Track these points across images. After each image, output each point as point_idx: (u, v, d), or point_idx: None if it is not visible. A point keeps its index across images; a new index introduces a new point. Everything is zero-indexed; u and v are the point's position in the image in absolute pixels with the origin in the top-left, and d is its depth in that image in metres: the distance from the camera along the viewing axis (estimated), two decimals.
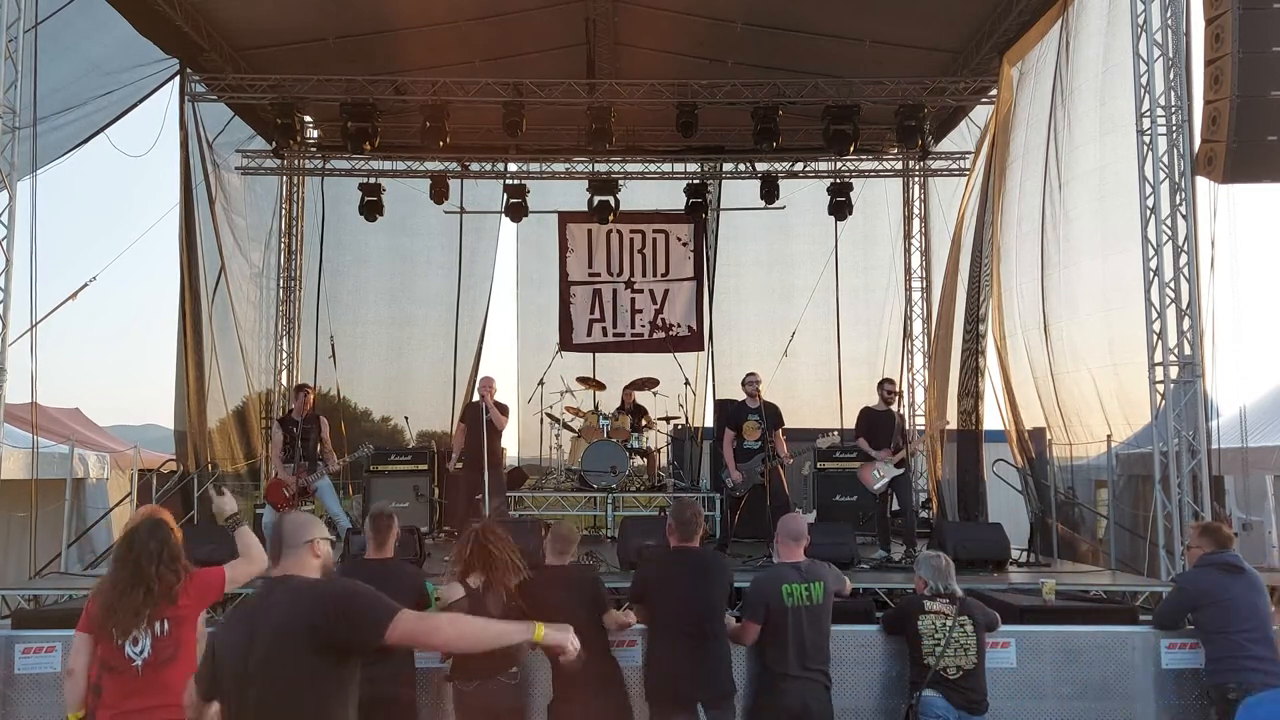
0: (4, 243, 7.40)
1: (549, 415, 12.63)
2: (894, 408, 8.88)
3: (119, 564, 3.71)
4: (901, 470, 8.52)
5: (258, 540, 4.09)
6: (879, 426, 8.64)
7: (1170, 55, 7.69)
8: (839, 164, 13.96)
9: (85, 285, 9.95)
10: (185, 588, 3.72)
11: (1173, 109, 7.67)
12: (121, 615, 3.60)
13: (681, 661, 4.59)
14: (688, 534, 4.82)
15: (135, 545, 3.71)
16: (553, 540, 4.88)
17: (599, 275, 14.69)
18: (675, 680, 4.56)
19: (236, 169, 13.27)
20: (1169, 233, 7.64)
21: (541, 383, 12.88)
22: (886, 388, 8.92)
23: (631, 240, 14.70)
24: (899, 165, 14.38)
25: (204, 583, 3.79)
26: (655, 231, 14.71)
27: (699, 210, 14.30)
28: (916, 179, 14.42)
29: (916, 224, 14.47)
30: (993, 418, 10.74)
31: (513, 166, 14.49)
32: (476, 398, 9.39)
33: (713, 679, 4.60)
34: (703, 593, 4.68)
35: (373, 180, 13.65)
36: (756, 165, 14.15)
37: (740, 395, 9.10)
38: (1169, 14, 7.70)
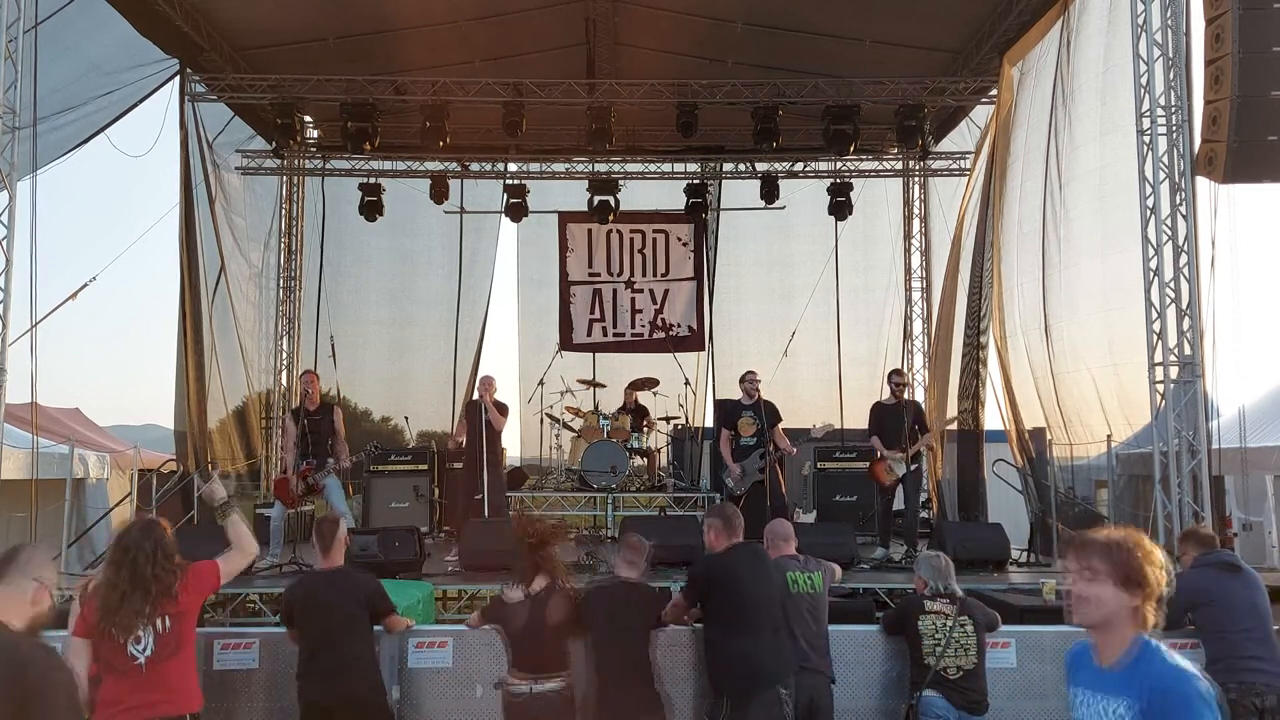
0: (4, 243, 7.40)
1: (549, 415, 12.62)
2: (906, 398, 8.89)
3: (115, 567, 3.72)
4: (915, 466, 8.53)
5: (247, 529, 4.14)
6: (889, 421, 8.65)
7: (1170, 55, 7.69)
8: (839, 164, 13.96)
9: (85, 285, 9.96)
10: (183, 584, 3.74)
11: (1173, 109, 7.67)
12: (122, 617, 3.61)
13: (762, 647, 4.56)
14: (734, 529, 4.82)
15: (130, 547, 3.72)
16: (625, 550, 4.89)
17: (599, 275, 14.69)
18: (759, 666, 4.54)
19: (236, 169, 13.27)
20: (1169, 233, 7.64)
21: (541, 383, 12.88)
22: (895, 380, 8.92)
23: (631, 240, 14.70)
24: (899, 165, 14.38)
25: (199, 576, 3.83)
26: (655, 231, 14.71)
27: (699, 210, 14.30)
28: (916, 179, 14.42)
29: (916, 224, 14.48)
30: (993, 418, 10.76)
31: (513, 166, 14.49)
32: (476, 397, 9.38)
33: (789, 661, 4.63)
34: (769, 580, 4.70)
35: (373, 180, 13.65)
36: (756, 165, 14.15)
37: (739, 393, 9.12)
38: (1169, 14, 7.70)
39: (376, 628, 4.92)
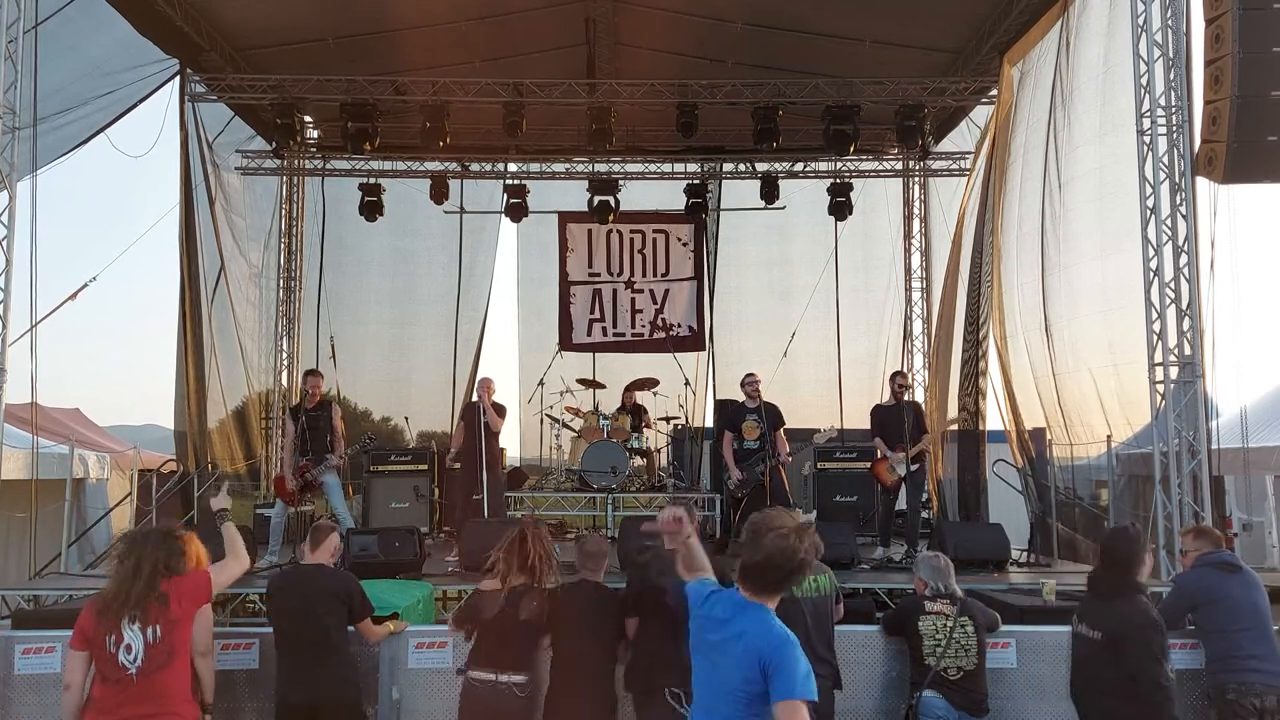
0: (4, 243, 7.40)
1: (549, 415, 12.62)
2: (906, 400, 8.92)
3: (120, 560, 3.76)
4: (916, 466, 8.55)
5: (242, 539, 4.17)
6: (890, 422, 8.68)
7: (1170, 55, 7.69)
8: (839, 164, 13.96)
9: (85, 285, 9.94)
10: (174, 591, 3.73)
11: (1173, 109, 7.67)
12: (108, 620, 3.62)
13: (658, 652, 4.62)
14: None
15: (139, 543, 3.76)
16: (581, 556, 4.88)
17: (599, 275, 14.69)
18: (650, 669, 4.61)
19: (236, 169, 13.26)
20: (1169, 233, 7.64)
21: (541, 383, 12.88)
22: (897, 381, 8.98)
23: (631, 240, 14.70)
24: (899, 165, 14.38)
25: (193, 586, 3.83)
26: (655, 231, 14.71)
27: (699, 210, 14.30)
28: (916, 179, 14.42)
29: (916, 224, 14.48)
30: (993, 418, 10.75)
31: (513, 166, 14.49)
32: (475, 398, 9.39)
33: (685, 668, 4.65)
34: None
35: (373, 180, 13.65)
36: (756, 165, 14.15)
37: (740, 396, 9.13)
38: (1169, 14, 7.70)
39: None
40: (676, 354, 13.35)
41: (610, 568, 7.52)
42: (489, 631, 4.52)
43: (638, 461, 12.18)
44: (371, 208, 13.53)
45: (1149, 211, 7.71)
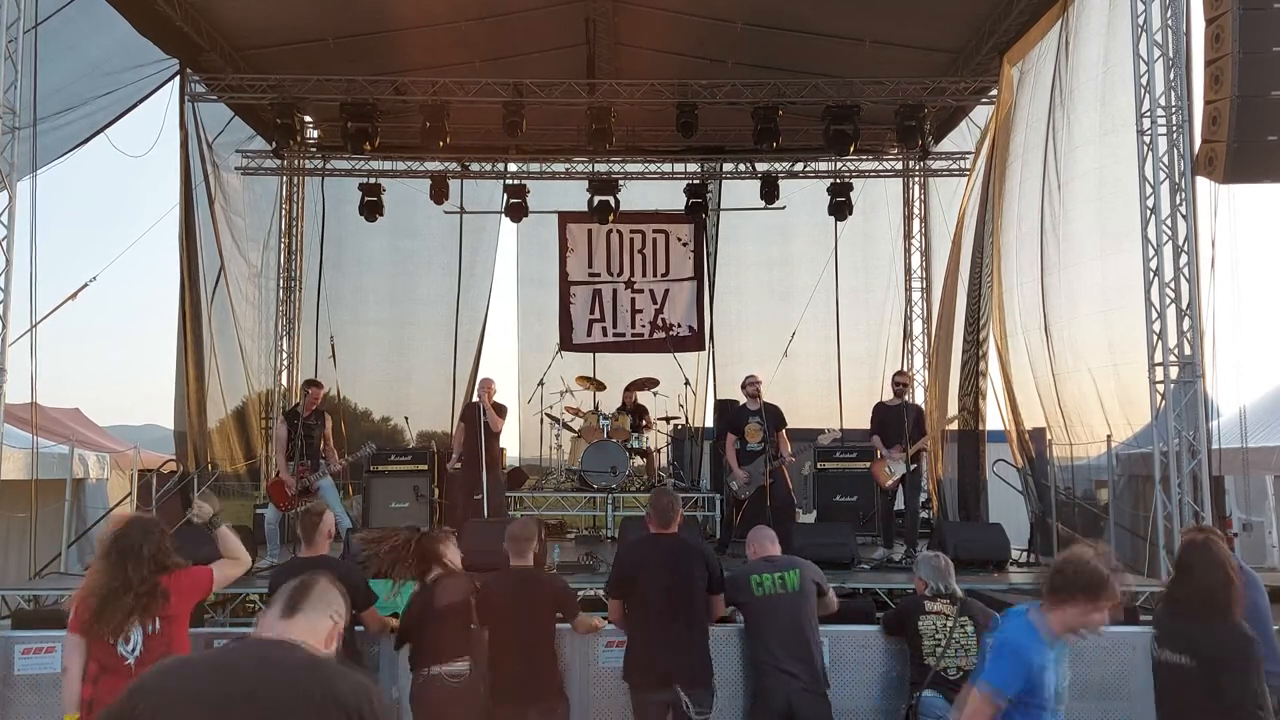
0: (4, 243, 7.40)
1: (549, 415, 12.62)
2: (907, 399, 8.93)
3: (107, 564, 3.75)
4: (914, 466, 8.55)
5: (238, 540, 4.19)
6: (890, 422, 8.69)
7: (1170, 55, 7.69)
8: (839, 164, 13.96)
9: (85, 285, 9.95)
10: (175, 586, 3.74)
11: (1173, 109, 7.67)
12: (110, 616, 3.63)
13: (660, 644, 4.67)
14: (665, 520, 4.89)
15: (127, 550, 3.74)
16: (510, 540, 4.90)
17: (599, 275, 14.69)
18: (655, 662, 4.65)
19: (236, 169, 13.26)
20: (1169, 233, 7.64)
21: (541, 383, 12.88)
22: (898, 380, 8.98)
23: (631, 240, 14.69)
24: (899, 165, 14.38)
25: (193, 581, 3.84)
26: (655, 231, 14.71)
27: (699, 210, 14.29)
28: (916, 179, 14.42)
29: (916, 224, 14.48)
30: (993, 418, 10.75)
31: (513, 166, 14.48)
32: (476, 398, 9.39)
33: (690, 663, 4.69)
34: (678, 577, 4.75)
35: (373, 180, 13.65)
36: (756, 165, 14.14)
37: (741, 397, 9.13)
38: (1169, 14, 7.70)
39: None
40: (676, 354, 13.36)
41: (610, 568, 7.51)
42: (418, 627, 4.65)
43: (638, 461, 12.18)
44: (371, 208, 13.53)
45: (1149, 211, 7.71)
